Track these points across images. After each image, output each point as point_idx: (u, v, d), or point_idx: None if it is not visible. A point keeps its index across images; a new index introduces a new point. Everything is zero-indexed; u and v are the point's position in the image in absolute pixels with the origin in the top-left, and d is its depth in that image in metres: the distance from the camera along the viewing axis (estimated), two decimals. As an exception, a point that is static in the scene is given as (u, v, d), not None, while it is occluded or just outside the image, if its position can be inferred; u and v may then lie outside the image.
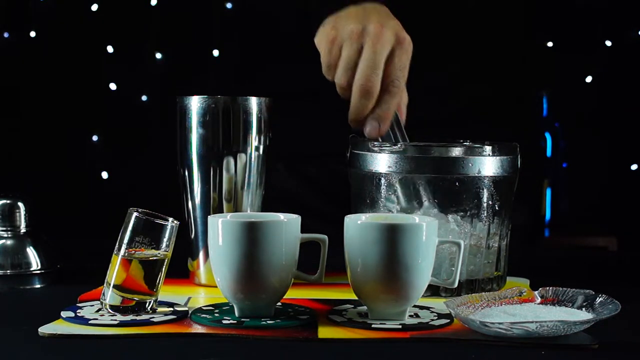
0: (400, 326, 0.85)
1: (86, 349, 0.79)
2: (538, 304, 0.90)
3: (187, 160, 1.06)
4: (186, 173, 1.06)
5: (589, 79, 2.43)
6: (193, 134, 1.04)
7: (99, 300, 0.91)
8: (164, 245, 0.89)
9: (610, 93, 2.42)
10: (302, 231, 0.90)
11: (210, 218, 0.89)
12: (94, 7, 2.28)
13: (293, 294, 0.96)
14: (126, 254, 0.88)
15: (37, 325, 0.84)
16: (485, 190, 1.00)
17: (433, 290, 0.99)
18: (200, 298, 1.00)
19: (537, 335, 0.80)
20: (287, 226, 0.88)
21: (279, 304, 0.91)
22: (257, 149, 1.05)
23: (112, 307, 0.88)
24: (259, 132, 1.05)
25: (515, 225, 1.07)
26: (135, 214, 0.88)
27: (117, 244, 0.89)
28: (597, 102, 2.43)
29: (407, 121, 1.10)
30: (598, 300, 0.87)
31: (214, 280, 0.90)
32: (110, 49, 2.29)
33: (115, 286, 0.88)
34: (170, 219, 0.89)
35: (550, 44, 2.38)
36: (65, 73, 2.26)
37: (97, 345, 0.80)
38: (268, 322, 0.86)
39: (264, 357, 0.78)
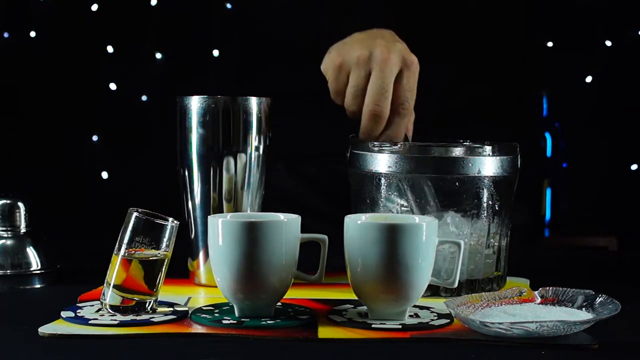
0: (400, 326, 0.85)
1: (86, 349, 0.79)
2: (538, 304, 0.90)
3: (187, 160, 1.06)
4: (186, 173, 1.06)
5: (589, 79, 2.43)
6: (193, 134, 1.04)
7: (99, 300, 0.91)
8: (164, 245, 0.89)
9: (610, 93, 2.42)
10: (302, 231, 0.90)
11: (210, 218, 0.89)
12: (94, 7, 2.27)
13: (293, 294, 0.96)
14: (126, 254, 0.88)
15: (37, 325, 0.84)
16: (485, 190, 1.00)
17: (433, 290, 0.99)
18: (200, 298, 1.00)
19: (537, 335, 0.80)
20: (287, 226, 0.88)
21: (279, 304, 0.91)
22: (257, 149, 1.05)
23: (112, 307, 0.88)
24: (259, 132, 1.05)
25: (515, 225, 1.07)
26: (135, 214, 0.88)
27: (117, 244, 0.89)
28: (597, 102, 2.43)
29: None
30: (598, 300, 0.87)
31: (214, 280, 0.90)
32: (110, 49, 2.28)
33: (115, 286, 0.88)
34: (170, 219, 0.89)
35: (550, 44, 2.38)
36: (65, 73, 2.26)
37: (97, 345, 0.80)
38: (268, 322, 0.86)
39: (264, 357, 0.78)
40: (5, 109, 2.30)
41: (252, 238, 0.86)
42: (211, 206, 1.05)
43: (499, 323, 0.81)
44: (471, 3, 1.41)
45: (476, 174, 0.99)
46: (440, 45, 1.35)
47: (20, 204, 1.06)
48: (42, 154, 2.28)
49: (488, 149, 1.00)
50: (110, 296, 0.88)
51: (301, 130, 1.37)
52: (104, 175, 2.32)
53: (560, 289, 0.91)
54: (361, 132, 1.07)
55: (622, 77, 2.41)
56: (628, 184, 2.44)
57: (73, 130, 2.29)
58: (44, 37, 2.30)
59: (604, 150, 2.45)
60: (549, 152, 2.53)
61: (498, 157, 1.01)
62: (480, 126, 1.27)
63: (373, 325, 0.85)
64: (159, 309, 0.90)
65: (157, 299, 0.90)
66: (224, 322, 0.86)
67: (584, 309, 0.87)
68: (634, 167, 2.44)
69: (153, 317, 0.87)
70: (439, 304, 0.93)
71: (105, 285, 0.89)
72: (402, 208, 1.00)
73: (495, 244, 1.03)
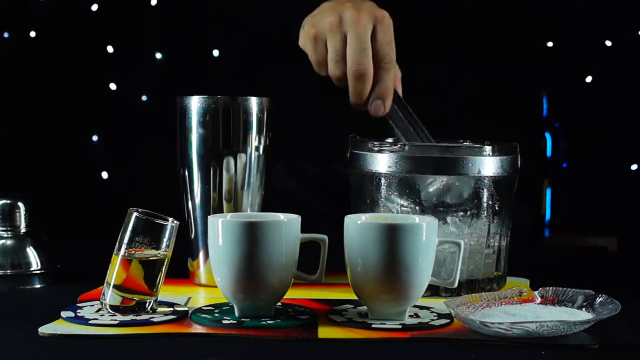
0: (400, 326, 0.85)
1: (86, 349, 0.79)
2: (538, 304, 0.90)
3: (187, 160, 1.06)
4: (186, 173, 1.06)
5: (589, 79, 2.43)
6: (193, 134, 1.04)
7: (99, 300, 0.91)
8: (164, 245, 0.89)
9: (610, 93, 2.41)
10: (302, 231, 0.90)
11: (210, 218, 0.89)
12: (94, 7, 2.27)
13: (293, 294, 0.96)
14: (126, 254, 0.88)
15: (37, 325, 0.84)
16: (485, 190, 1.00)
17: (433, 290, 0.99)
18: (200, 298, 1.00)
19: (537, 335, 0.80)
20: (287, 226, 0.88)
21: (279, 304, 0.91)
22: (257, 149, 1.05)
23: (112, 307, 0.88)
24: (259, 132, 1.05)
25: (515, 225, 1.07)
26: (135, 214, 0.88)
27: (117, 244, 0.89)
28: (597, 102, 2.42)
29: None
30: (598, 300, 0.87)
31: (214, 280, 0.90)
32: (110, 49, 2.29)
33: (115, 286, 0.88)
34: (170, 219, 0.89)
35: (550, 44, 2.38)
36: (65, 73, 2.26)
37: (97, 345, 0.80)
38: (268, 322, 0.86)
39: (264, 357, 0.78)
40: (5, 109, 2.30)
41: (252, 238, 0.86)
42: (211, 206, 1.05)
43: (499, 323, 0.81)
44: (471, 3, 1.41)
45: (476, 174, 0.99)
46: (441, 45, 1.35)
47: (20, 204, 1.06)
48: (42, 154, 2.28)
49: (488, 149, 1.00)
50: (110, 296, 0.88)
51: (301, 130, 1.37)
52: (104, 175, 2.32)
53: (560, 289, 0.91)
54: (351, 96, 1.08)
55: (622, 77, 2.41)
56: (628, 184, 2.44)
57: (73, 130, 2.29)
58: (44, 37, 2.30)
59: (604, 150, 2.44)
60: (549, 152, 2.53)
61: (498, 157, 1.01)
62: (481, 126, 1.27)
63: (373, 325, 0.85)
64: (159, 309, 0.90)
65: (157, 299, 0.90)
66: (224, 322, 0.86)
67: (584, 309, 0.87)
68: (634, 167, 2.44)
69: (153, 317, 0.87)
70: (439, 304, 0.93)
71: (105, 285, 0.89)
72: (402, 208, 1.00)
73: (495, 244, 1.03)
